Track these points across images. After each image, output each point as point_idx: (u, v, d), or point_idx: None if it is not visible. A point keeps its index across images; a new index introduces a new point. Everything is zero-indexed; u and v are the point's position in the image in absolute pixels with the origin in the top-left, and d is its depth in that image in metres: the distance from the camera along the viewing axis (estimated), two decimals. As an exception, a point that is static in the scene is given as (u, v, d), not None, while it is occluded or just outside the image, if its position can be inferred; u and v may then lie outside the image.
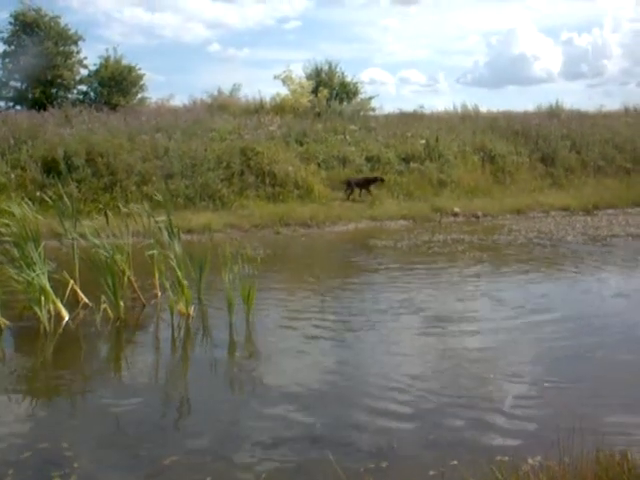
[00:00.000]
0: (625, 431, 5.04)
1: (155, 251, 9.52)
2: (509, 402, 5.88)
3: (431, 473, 4.56)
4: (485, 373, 6.64)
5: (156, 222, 9.89)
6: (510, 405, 5.81)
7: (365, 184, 20.31)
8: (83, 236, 9.69)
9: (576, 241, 15.09)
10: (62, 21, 29.43)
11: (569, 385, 6.35)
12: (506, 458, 4.59)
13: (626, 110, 29.76)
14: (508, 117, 26.99)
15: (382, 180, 20.51)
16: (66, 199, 10.32)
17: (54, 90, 28.29)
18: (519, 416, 5.58)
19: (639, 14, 67.40)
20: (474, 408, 5.74)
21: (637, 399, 5.96)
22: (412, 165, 22.10)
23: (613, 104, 36.70)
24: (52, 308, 8.78)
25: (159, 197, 10.99)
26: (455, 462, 4.66)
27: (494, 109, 28.78)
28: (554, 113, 28.18)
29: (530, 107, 29.75)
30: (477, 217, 19.58)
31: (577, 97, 75.99)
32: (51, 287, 8.85)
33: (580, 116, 28.15)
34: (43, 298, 8.57)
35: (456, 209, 19.79)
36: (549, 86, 59.56)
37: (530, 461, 4.47)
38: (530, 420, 5.49)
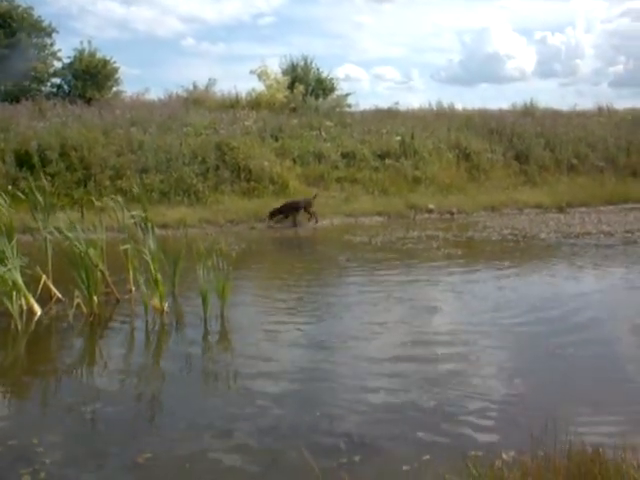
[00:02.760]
0: (597, 427, 5.09)
1: (129, 245, 9.46)
2: (481, 398, 5.91)
3: (404, 468, 4.56)
4: (457, 370, 6.67)
5: (131, 217, 9.83)
6: (482, 402, 5.84)
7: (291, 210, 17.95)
8: (56, 230, 9.59)
9: (549, 238, 15.22)
10: (35, 13, 29.09)
11: (541, 382, 6.40)
12: (480, 453, 4.60)
13: (599, 109, 30.05)
14: (483, 115, 27.13)
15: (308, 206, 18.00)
16: (38, 193, 10.20)
17: (27, 83, 27.91)
18: (491, 412, 5.60)
19: (611, 15, 68.24)
20: (446, 404, 5.76)
21: (608, 395, 6.02)
22: (387, 162, 22.15)
23: (586, 103, 37.08)
24: (24, 303, 8.68)
25: (135, 189, 10.89)
26: (428, 457, 4.68)
27: (469, 107, 28.94)
28: (528, 111, 28.41)
29: (505, 105, 29.98)
30: (452, 214, 19.69)
31: (550, 96, 76.51)
32: (23, 282, 8.75)
33: (554, 115, 28.38)
34: (15, 293, 8.47)
35: (431, 206, 19.89)
36: (523, 84, 60.07)
37: (504, 456, 4.49)
38: (502, 416, 5.53)
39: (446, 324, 8.46)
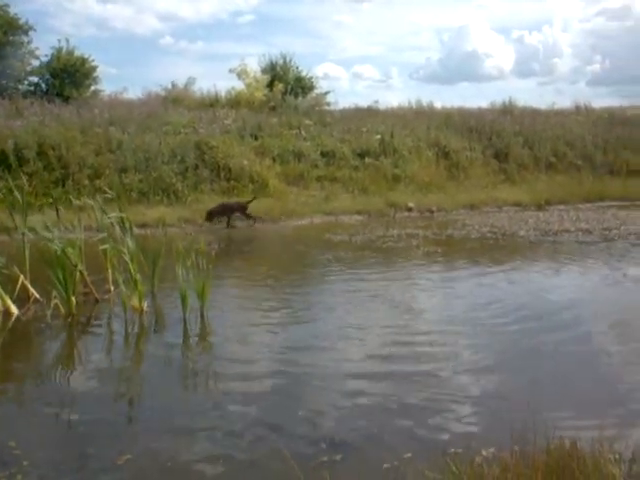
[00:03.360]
0: (576, 422, 5.12)
1: (108, 245, 9.40)
2: (462, 396, 5.93)
3: (385, 466, 4.56)
4: (437, 368, 6.67)
5: (109, 217, 9.76)
6: (463, 399, 5.85)
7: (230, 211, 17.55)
8: (33, 230, 9.51)
9: (529, 236, 15.31)
10: (11, 10, 28.72)
11: (522, 378, 6.43)
12: (460, 450, 4.62)
13: (577, 108, 30.32)
14: (462, 113, 27.27)
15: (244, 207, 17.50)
16: (16, 193, 10.10)
17: (4, 81, 27.60)
18: (472, 410, 5.62)
19: (587, 15, 68.87)
20: (427, 401, 5.77)
21: (588, 391, 6.07)
22: (367, 160, 22.20)
23: (564, 102, 37.37)
24: (1, 304, 8.60)
25: (111, 194, 10.83)
26: (409, 455, 4.68)
27: (448, 105, 29.06)
28: (507, 110, 28.58)
29: (484, 104, 30.15)
30: (431, 212, 19.76)
31: (529, 94, 77.22)
32: (0, 282, 8.67)
33: (533, 113, 28.60)
34: (-9, 293, 8.41)
35: (410, 204, 19.94)
36: (501, 83, 60.54)
37: (484, 453, 4.50)
38: (483, 414, 5.55)
39: (427, 323, 8.48)
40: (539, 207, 20.78)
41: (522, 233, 15.68)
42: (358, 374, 6.51)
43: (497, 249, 13.91)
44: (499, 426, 5.07)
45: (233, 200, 18.18)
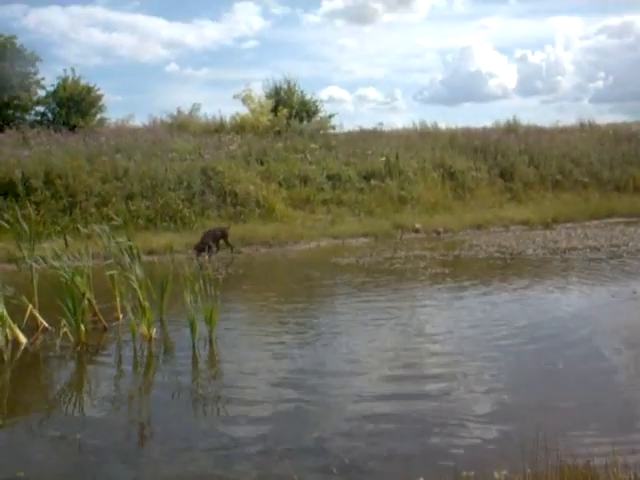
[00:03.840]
0: (588, 442, 5.08)
1: (115, 272, 9.41)
2: (473, 418, 5.89)
3: (397, 490, 4.53)
4: (446, 388, 6.65)
5: (117, 243, 9.78)
6: (474, 421, 5.81)
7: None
8: (42, 259, 9.54)
9: (536, 255, 15.26)
10: (17, 41, 29.03)
11: (531, 398, 6.39)
12: (472, 473, 4.57)
13: (581, 125, 30.31)
14: (467, 133, 27.29)
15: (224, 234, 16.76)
16: (23, 222, 10.13)
17: (10, 111, 27.83)
18: (483, 431, 5.58)
19: (588, 32, 69.16)
20: (438, 424, 5.74)
21: (598, 409, 6.01)
22: (373, 182, 22.25)
23: (568, 119, 37.42)
24: (9, 333, 8.60)
25: (118, 221, 10.85)
26: (421, 479, 4.64)
27: (453, 125, 29.05)
28: (512, 129, 28.58)
29: (488, 123, 30.13)
30: (438, 233, 19.73)
31: (533, 113, 77.33)
32: (9, 312, 8.68)
33: (537, 131, 28.62)
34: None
35: (417, 225, 19.92)
36: (505, 102, 60.60)
37: (496, 475, 4.46)
38: (494, 434, 5.51)
39: (437, 345, 8.43)
40: (546, 226, 20.74)
41: (530, 252, 15.63)
42: (368, 398, 6.48)
43: (506, 269, 13.86)
44: (511, 446, 5.03)
45: (213, 227, 17.56)
